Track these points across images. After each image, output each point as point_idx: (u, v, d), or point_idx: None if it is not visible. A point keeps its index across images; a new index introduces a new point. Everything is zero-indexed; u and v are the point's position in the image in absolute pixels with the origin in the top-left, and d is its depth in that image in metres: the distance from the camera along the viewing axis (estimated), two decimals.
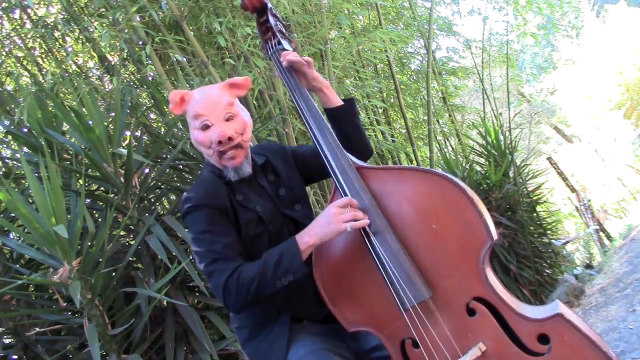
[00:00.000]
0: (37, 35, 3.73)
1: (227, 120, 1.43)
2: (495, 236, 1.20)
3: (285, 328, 1.41)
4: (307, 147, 1.65)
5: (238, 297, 1.31)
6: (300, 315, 1.45)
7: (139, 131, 3.36)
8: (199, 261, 1.39)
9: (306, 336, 1.41)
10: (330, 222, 1.27)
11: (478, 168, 4.52)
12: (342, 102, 1.55)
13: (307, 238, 1.30)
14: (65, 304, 2.41)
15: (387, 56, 4.92)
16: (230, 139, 1.40)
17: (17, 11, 3.91)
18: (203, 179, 1.50)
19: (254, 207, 1.45)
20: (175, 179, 3.20)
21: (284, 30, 1.66)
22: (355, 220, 1.26)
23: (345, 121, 1.55)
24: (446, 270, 1.23)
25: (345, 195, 1.32)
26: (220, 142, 1.40)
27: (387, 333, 1.30)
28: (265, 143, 1.66)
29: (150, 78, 3.63)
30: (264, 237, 1.44)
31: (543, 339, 1.15)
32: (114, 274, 2.51)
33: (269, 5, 1.66)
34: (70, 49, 4.00)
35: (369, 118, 5.04)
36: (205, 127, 1.42)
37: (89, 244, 2.32)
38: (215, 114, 1.42)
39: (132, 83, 3.91)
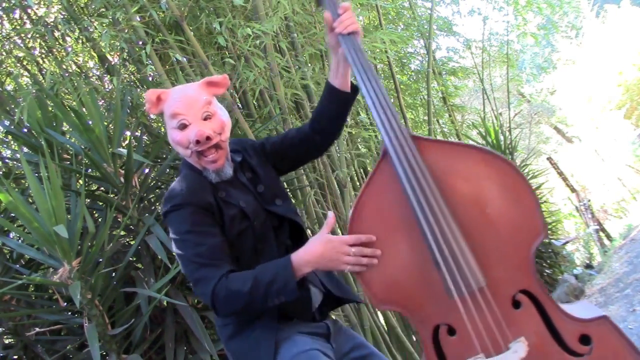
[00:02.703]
0: (37, 35, 3.73)
1: (205, 119, 1.39)
2: (546, 232, 1.18)
3: (272, 326, 1.38)
4: (275, 138, 1.61)
5: (226, 307, 1.29)
6: (288, 313, 1.43)
7: (139, 131, 3.35)
8: (182, 265, 1.35)
9: (296, 335, 1.39)
10: (332, 259, 1.24)
11: None
12: (349, 89, 1.50)
13: (304, 268, 1.27)
14: (65, 304, 2.40)
15: (387, 56, 4.91)
16: (208, 138, 1.37)
17: (17, 11, 3.91)
18: (185, 175, 1.46)
19: (238, 203, 1.41)
20: (175, 179, 3.19)
21: None
22: (359, 264, 1.22)
23: (344, 105, 1.52)
24: (497, 258, 1.18)
25: (400, 162, 1.21)
26: (198, 142, 1.36)
27: (422, 316, 1.22)
28: (236, 139, 1.62)
29: (150, 78, 3.62)
30: (249, 233, 1.41)
31: (585, 339, 1.14)
32: (114, 274, 2.51)
33: None
34: (70, 49, 4.00)
35: (369, 118, 5.04)
36: (183, 127, 1.38)
37: (89, 244, 2.32)
38: (193, 113, 1.38)
39: (132, 83, 3.91)
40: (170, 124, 1.41)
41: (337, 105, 1.52)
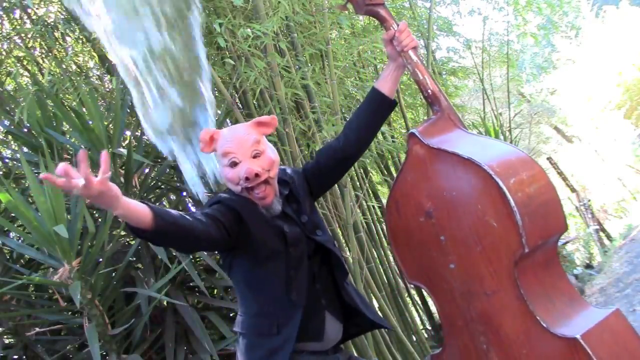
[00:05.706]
0: (37, 35, 3.73)
1: (254, 157, 1.49)
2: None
3: (288, 349, 1.44)
4: (310, 164, 1.70)
5: None
6: (305, 339, 1.49)
7: (139, 131, 3.35)
8: None
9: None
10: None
11: None
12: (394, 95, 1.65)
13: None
14: (65, 304, 2.41)
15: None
16: (257, 175, 1.46)
17: (17, 11, 3.91)
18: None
19: (282, 226, 1.51)
20: (175, 179, 3.19)
21: None
22: None
23: (384, 113, 1.66)
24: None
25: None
26: (247, 179, 1.46)
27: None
28: (284, 169, 1.69)
29: None
30: (281, 258, 1.49)
31: None
32: (114, 274, 2.51)
33: None
34: (70, 49, 4.00)
35: None
36: (234, 164, 1.49)
37: (89, 244, 2.32)
38: (243, 151, 1.48)
39: None
40: (222, 162, 1.53)
41: (380, 112, 1.65)
